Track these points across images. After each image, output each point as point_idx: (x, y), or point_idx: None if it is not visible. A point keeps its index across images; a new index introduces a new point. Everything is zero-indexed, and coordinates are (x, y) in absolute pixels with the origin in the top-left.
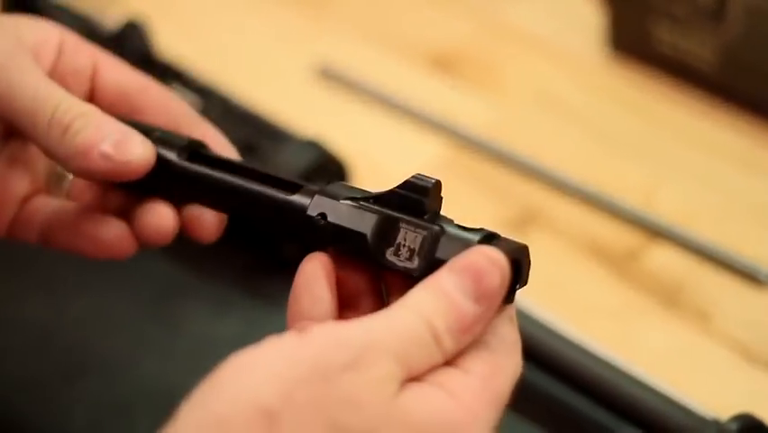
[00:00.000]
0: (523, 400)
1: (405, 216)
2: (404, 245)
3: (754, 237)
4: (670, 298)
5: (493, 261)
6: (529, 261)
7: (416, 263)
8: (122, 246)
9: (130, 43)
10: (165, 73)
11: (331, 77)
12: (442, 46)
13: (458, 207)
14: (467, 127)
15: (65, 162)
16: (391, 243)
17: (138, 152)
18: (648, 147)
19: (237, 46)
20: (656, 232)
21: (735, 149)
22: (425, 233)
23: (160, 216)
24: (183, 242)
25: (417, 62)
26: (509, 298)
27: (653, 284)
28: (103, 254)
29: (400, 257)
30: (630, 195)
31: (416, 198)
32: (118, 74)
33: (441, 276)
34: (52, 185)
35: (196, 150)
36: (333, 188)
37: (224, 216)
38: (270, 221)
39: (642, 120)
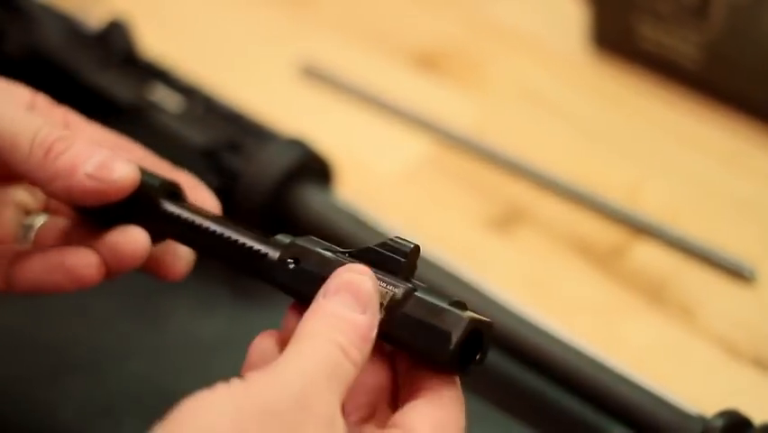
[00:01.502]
0: (507, 397)
1: (379, 273)
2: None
3: (738, 233)
4: (654, 294)
5: (359, 271)
6: (492, 336)
7: (382, 316)
8: (90, 273)
9: (113, 43)
10: (148, 72)
11: (315, 75)
12: (426, 44)
13: (442, 205)
14: (452, 125)
15: (48, 184)
16: None
17: (123, 171)
18: (632, 144)
19: (221, 45)
20: (641, 229)
21: (719, 145)
22: (395, 290)
23: (134, 238)
24: None
25: (402, 60)
26: (467, 369)
27: (637, 281)
28: (70, 284)
29: None
30: (615, 192)
31: (394, 258)
32: (91, 131)
33: (322, 303)
34: (20, 236)
35: (172, 191)
36: (308, 239)
37: (193, 256)
38: (242, 265)
39: (626, 117)
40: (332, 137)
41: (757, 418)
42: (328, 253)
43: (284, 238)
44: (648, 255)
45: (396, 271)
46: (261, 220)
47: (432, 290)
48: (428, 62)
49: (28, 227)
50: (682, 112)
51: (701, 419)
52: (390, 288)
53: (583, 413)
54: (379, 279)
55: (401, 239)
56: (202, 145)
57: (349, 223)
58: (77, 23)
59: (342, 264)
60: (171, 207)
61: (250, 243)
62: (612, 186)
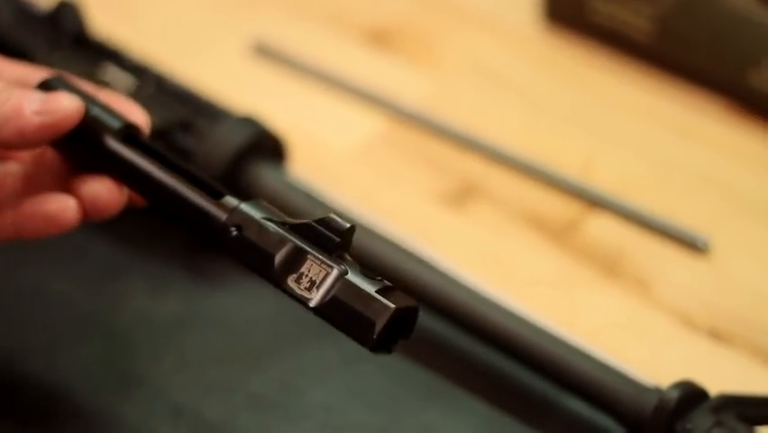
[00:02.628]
0: (463, 372)
1: (314, 250)
2: (306, 276)
3: (691, 205)
4: (609, 267)
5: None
6: (416, 318)
7: (314, 295)
8: (71, 217)
9: (64, 23)
10: (99, 53)
11: (267, 53)
12: (379, 21)
13: (396, 181)
14: (405, 101)
15: (1, 129)
16: (295, 270)
17: (66, 103)
18: (585, 117)
19: (172, 24)
20: (595, 202)
21: (671, 118)
22: (329, 270)
23: (107, 188)
24: (122, 220)
25: (354, 37)
26: (390, 349)
27: (592, 254)
28: (50, 230)
29: (300, 286)
30: (568, 166)
31: (329, 236)
32: (19, 70)
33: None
34: None
35: (131, 133)
36: (255, 204)
37: (126, 195)
38: (187, 221)
39: (578, 90)
40: (285, 115)
41: (713, 389)
42: (269, 225)
43: (232, 200)
44: (603, 229)
45: (330, 248)
46: None
47: (363, 270)
48: (381, 39)
49: None
50: (635, 85)
51: (657, 391)
52: (324, 267)
53: (537, 386)
54: (313, 257)
55: (339, 217)
56: (153, 125)
57: (303, 200)
58: (26, 3)
59: (283, 238)
60: (125, 150)
61: (198, 203)
62: (566, 160)
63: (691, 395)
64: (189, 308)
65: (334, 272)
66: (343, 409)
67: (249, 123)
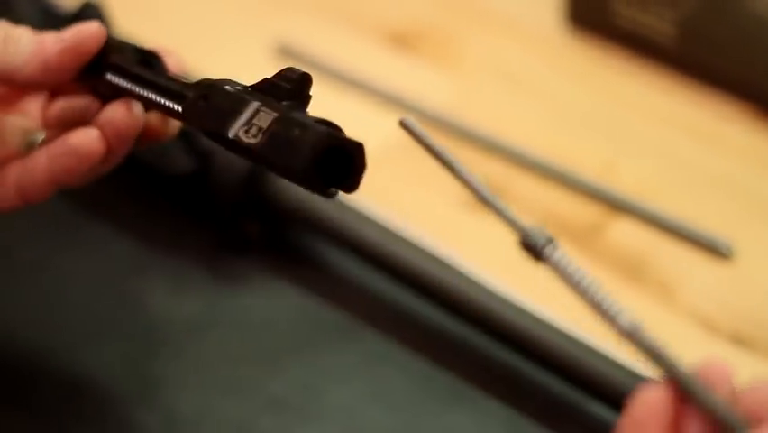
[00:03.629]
0: (484, 375)
1: (265, 100)
2: (255, 125)
3: (714, 210)
4: (632, 272)
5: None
6: (363, 164)
7: (258, 139)
8: (95, 147)
9: None
10: None
11: (290, 54)
12: (401, 23)
13: (418, 184)
14: (427, 104)
15: (24, 67)
16: (247, 123)
17: (85, 26)
18: (607, 121)
19: (195, 25)
20: (617, 206)
21: (694, 122)
22: (275, 114)
23: (118, 108)
24: (144, 219)
25: (377, 39)
26: (329, 190)
27: (615, 258)
28: (79, 163)
29: (248, 135)
30: (591, 169)
31: (282, 86)
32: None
33: None
34: (23, 153)
35: (147, 59)
36: (220, 80)
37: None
38: (159, 104)
39: (601, 94)
40: None
41: None
42: (230, 88)
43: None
44: (625, 233)
45: (281, 97)
46: (237, 200)
47: (314, 118)
48: (404, 41)
49: (31, 143)
50: (658, 89)
51: None
52: (270, 113)
53: (560, 390)
54: (262, 106)
55: (294, 69)
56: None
57: (325, 203)
58: (51, 4)
59: (246, 99)
60: (128, 69)
61: (172, 85)
62: (588, 163)
63: None
64: (210, 309)
65: (276, 114)
66: (364, 411)
67: None
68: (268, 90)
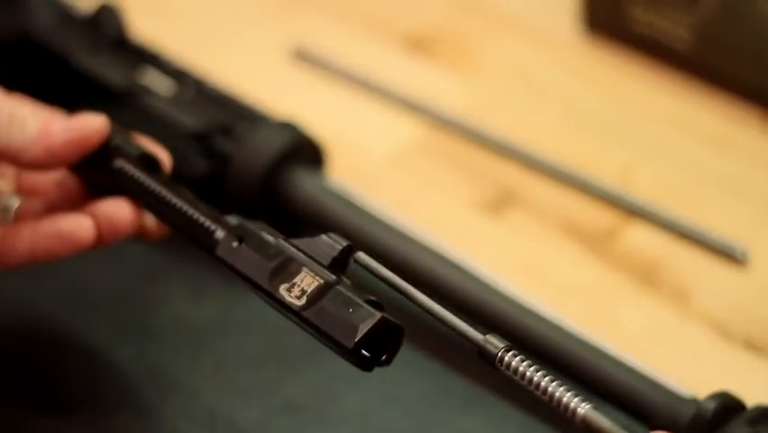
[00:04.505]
0: (500, 380)
1: (309, 262)
2: (298, 286)
3: (729, 216)
4: (647, 276)
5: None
6: (400, 343)
7: (303, 302)
8: (87, 236)
9: (104, 27)
10: (139, 56)
11: (306, 58)
12: (418, 27)
13: (434, 188)
14: (443, 108)
15: (25, 152)
16: (288, 280)
17: (91, 118)
18: (623, 126)
19: (212, 28)
20: (633, 211)
21: (710, 128)
22: (320, 280)
23: (120, 207)
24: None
25: (393, 43)
26: (371, 366)
27: (629, 263)
28: (66, 249)
29: (291, 294)
30: (607, 174)
31: (326, 252)
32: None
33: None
34: None
35: (148, 161)
36: (257, 223)
37: (139, 218)
38: (193, 237)
39: (617, 99)
40: (323, 120)
41: (749, 400)
42: (268, 237)
43: (233, 219)
44: (640, 238)
45: (325, 263)
46: (253, 204)
47: (355, 288)
48: (420, 45)
49: (5, 209)
50: (674, 94)
51: (694, 402)
52: (317, 278)
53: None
54: (307, 268)
55: (337, 235)
56: (193, 129)
57: (340, 206)
58: (67, 6)
59: (280, 249)
60: (139, 174)
61: (202, 219)
62: (604, 168)
63: (728, 406)
64: (226, 313)
65: (325, 282)
66: (379, 415)
67: (288, 128)
68: (306, 249)
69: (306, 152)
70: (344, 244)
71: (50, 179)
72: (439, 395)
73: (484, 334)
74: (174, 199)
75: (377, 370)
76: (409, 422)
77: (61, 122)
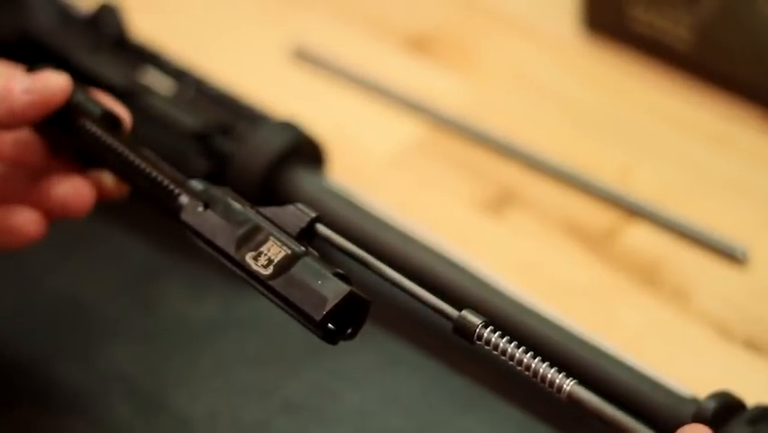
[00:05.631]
0: (498, 378)
1: (277, 231)
2: (265, 255)
3: (730, 215)
4: (647, 276)
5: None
6: (365, 317)
7: (270, 272)
8: (34, 230)
9: (104, 27)
10: (139, 56)
11: (306, 58)
12: (418, 27)
13: (434, 188)
14: (443, 108)
15: None
16: (254, 248)
17: (54, 80)
18: (624, 126)
19: (212, 28)
20: (633, 211)
21: (710, 127)
22: (288, 250)
23: (82, 192)
24: (159, 222)
25: (393, 43)
26: (335, 339)
27: (630, 263)
28: (14, 243)
29: (257, 262)
30: (607, 174)
31: (294, 222)
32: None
33: None
34: None
35: (111, 120)
36: (223, 189)
37: (95, 195)
38: (157, 200)
39: (617, 99)
40: (323, 120)
41: (749, 400)
42: (235, 204)
43: (198, 184)
44: (640, 237)
45: (292, 233)
46: (253, 203)
47: (323, 258)
48: (420, 45)
49: None
50: (674, 94)
51: (694, 401)
52: (285, 248)
53: None
54: (274, 237)
55: (305, 207)
56: (193, 129)
57: (341, 205)
58: (67, 6)
59: (247, 217)
60: (100, 132)
61: (166, 181)
62: (604, 168)
63: (728, 406)
64: (225, 312)
65: (293, 252)
66: (379, 415)
67: (288, 127)
68: (274, 219)
69: (306, 151)
70: (312, 215)
71: (8, 139)
72: (439, 395)
73: (459, 309)
74: (137, 161)
75: (376, 369)
76: (409, 422)
77: (23, 81)
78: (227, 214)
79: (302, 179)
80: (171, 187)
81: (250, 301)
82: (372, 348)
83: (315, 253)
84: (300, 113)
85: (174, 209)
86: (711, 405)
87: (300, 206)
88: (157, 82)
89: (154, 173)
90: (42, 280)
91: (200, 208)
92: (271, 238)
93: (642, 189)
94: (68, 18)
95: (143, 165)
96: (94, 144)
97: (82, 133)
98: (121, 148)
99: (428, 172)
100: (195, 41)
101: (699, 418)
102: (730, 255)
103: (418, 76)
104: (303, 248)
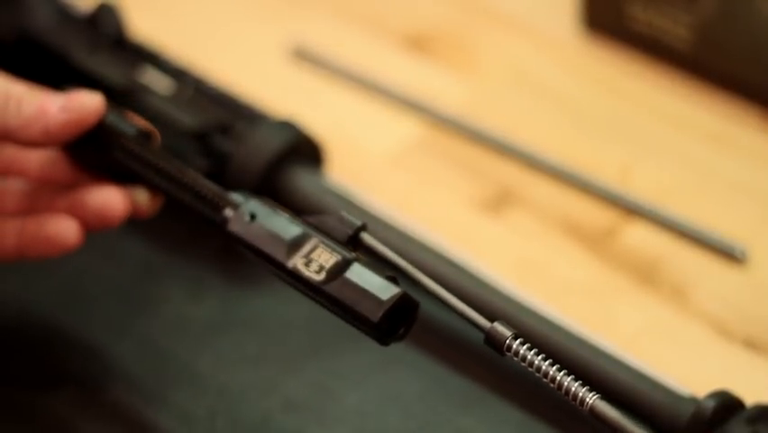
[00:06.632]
0: (497, 378)
1: (325, 238)
2: (316, 261)
3: (728, 214)
4: (646, 275)
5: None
6: (414, 320)
7: (322, 277)
8: (73, 239)
9: (103, 26)
10: (138, 55)
11: (305, 57)
12: (417, 26)
13: (433, 187)
14: (443, 107)
15: (23, 130)
16: (305, 255)
17: (88, 100)
18: (623, 125)
19: (211, 27)
20: (632, 210)
21: (709, 126)
22: (339, 256)
23: (116, 201)
24: (158, 223)
25: (392, 42)
26: (388, 340)
27: (629, 262)
28: (53, 251)
29: (309, 268)
30: (606, 173)
31: (340, 229)
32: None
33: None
34: None
35: (145, 137)
36: (264, 200)
37: (130, 204)
38: (202, 212)
39: (616, 98)
40: (322, 119)
41: (748, 399)
42: (282, 213)
43: (239, 196)
44: (639, 237)
45: (341, 240)
46: None
47: (371, 264)
48: (419, 44)
49: None
50: (673, 93)
51: (693, 400)
52: (335, 254)
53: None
54: (324, 244)
55: (349, 216)
56: (192, 128)
57: (340, 205)
58: (66, 5)
59: (295, 224)
60: (140, 149)
61: (210, 194)
62: (603, 167)
63: (727, 405)
64: (225, 311)
65: (344, 258)
66: (378, 414)
67: (287, 126)
68: (319, 226)
69: (305, 150)
70: (358, 223)
71: (35, 157)
72: (439, 395)
73: (491, 321)
74: (180, 175)
75: (376, 369)
76: (409, 421)
77: (58, 101)
78: (274, 223)
79: (301, 178)
80: (216, 200)
81: (249, 300)
82: (372, 348)
83: (364, 258)
84: (299, 112)
85: (220, 221)
86: (710, 404)
87: (344, 214)
88: (156, 81)
89: (197, 187)
90: (42, 279)
91: (247, 219)
92: (321, 245)
93: (641, 189)
94: (68, 17)
95: (186, 179)
96: (133, 162)
97: (120, 152)
98: (162, 164)
99: (427, 172)
100: (194, 41)
101: (698, 417)
102: (729, 255)
103: (417, 75)
104: (353, 254)
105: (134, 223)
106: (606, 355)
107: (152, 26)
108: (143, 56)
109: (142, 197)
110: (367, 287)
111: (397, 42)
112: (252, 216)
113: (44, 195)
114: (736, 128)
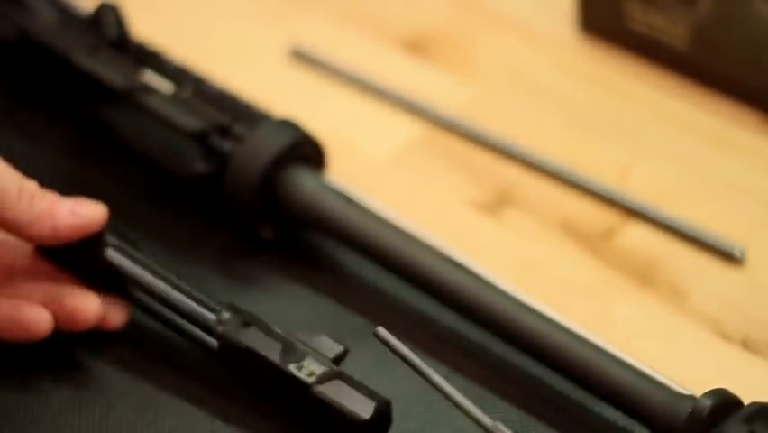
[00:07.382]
0: (496, 378)
1: (313, 351)
2: (307, 368)
3: (727, 215)
4: (644, 276)
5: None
6: (390, 417)
7: (313, 379)
8: (43, 329)
9: (104, 27)
10: (138, 56)
11: (305, 58)
12: (416, 28)
13: (433, 188)
14: (442, 108)
15: (31, 226)
16: (297, 361)
17: (96, 207)
18: (621, 126)
19: (210, 29)
20: (631, 211)
21: (707, 127)
22: (327, 367)
23: (91, 305)
24: (158, 221)
25: (391, 44)
26: None
27: (628, 263)
28: (22, 337)
29: (301, 372)
30: (604, 174)
31: (329, 347)
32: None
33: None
34: None
35: (130, 245)
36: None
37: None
38: (188, 332)
39: (615, 99)
40: (322, 120)
41: (745, 399)
42: (270, 325)
43: (227, 310)
44: (638, 237)
45: (330, 357)
46: (252, 203)
47: (353, 379)
48: (418, 46)
49: None
50: (672, 94)
51: (690, 399)
52: (324, 365)
53: (574, 395)
54: (314, 357)
55: (332, 340)
56: (192, 129)
57: (340, 205)
58: (67, 6)
59: (284, 336)
60: (134, 270)
61: (201, 309)
62: (602, 168)
63: (725, 403)
64: None
65: (331, 369)
66: None
67: (287, 126)
68: (308, 341)
69: (305, 151)
70: (342, 348)
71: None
72: (439, 395)
73: (493, 421)
74: (173, 294)
75: (376, 369)
76: (407, 422)
77: (67, 204)
78: (267, 331)
79: (301, 178)
80: (207, 313)
81: (248, 301)
82: (370, 348)
83: (349, 374)
84: (298, 113)
85: (210, 328)
86: (708, 402)
87: (327, 338)
88: (156, 82)
89: (190, 302)
90: None
91: (240, 326)
92: (309, 356)
93: (640, 190)
94: (69, 18)
95: (171, 295)
96: (123, 278)
97: (110, 265)
98: (156, 284)
99: (426, 173)
100: (194, 42)
101: (695, 415)
102: (728, 255)
103: (416, 76)
104: (340, 369)
105: (134, 223)
106: (603, 354)
107: (153, 27)
108: (143, 57)
109: (116, 312)
110: (357, 390)
111: (395, 44)
112: (246, 324)
113: (24, 282)
114: (735, 129)
